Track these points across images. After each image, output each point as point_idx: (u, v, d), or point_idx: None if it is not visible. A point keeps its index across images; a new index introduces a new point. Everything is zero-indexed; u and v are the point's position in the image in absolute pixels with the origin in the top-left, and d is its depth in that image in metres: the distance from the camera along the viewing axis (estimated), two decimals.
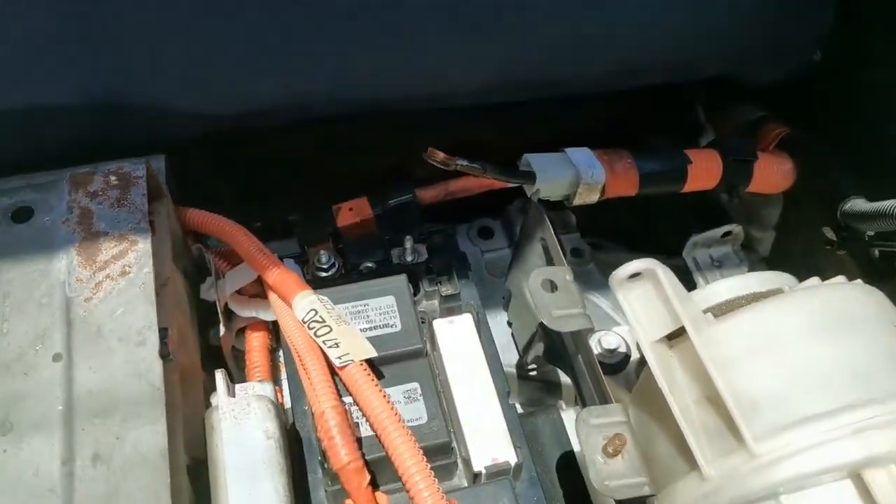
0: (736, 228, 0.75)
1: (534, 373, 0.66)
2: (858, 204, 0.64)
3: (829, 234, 0.69)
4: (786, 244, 0.81)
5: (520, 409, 0.59)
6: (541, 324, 0.63)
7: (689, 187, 0.70)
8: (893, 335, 0.48)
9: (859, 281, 0.53)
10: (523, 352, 0.66)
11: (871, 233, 0.65)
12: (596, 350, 0.63)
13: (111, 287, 0.44)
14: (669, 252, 0.77)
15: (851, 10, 0.74)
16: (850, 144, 0.74)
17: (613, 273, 0.50)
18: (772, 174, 0.74)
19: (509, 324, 0.69)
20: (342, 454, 0.44)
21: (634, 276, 0.51)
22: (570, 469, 0.56)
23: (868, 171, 0.69)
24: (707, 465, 0.46)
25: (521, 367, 0.66)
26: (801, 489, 0.45)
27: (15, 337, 0.42)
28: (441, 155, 0.58)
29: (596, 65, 0.71)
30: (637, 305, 0.51)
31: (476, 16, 0.63)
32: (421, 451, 0.45)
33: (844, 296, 0.50)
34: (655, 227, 0.82)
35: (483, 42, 0.65)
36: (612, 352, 0.63)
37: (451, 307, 0.60)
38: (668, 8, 0.68)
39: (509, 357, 0.67)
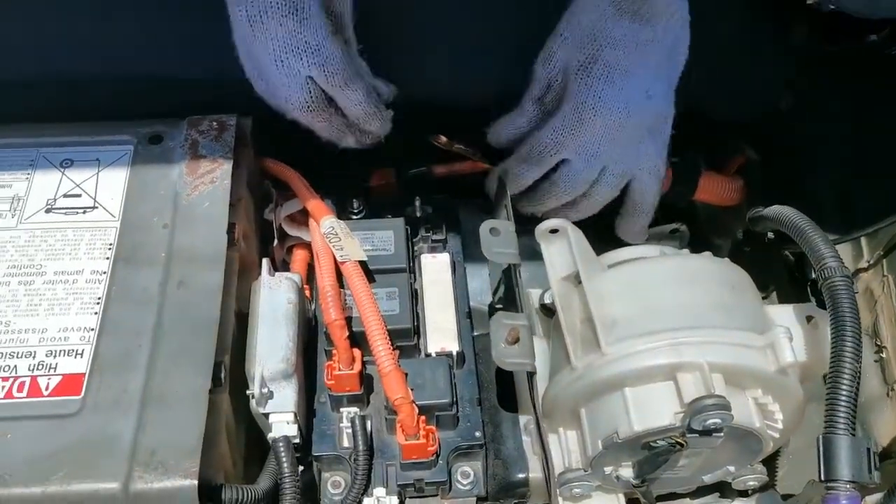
0: (682, 227, 0.94)
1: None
2: (757, 211, 0.82)
3: (739, 234, 0.88)
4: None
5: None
6: (503, 272, 0.86)
7: None
8: (724, 292, 0.66)
9: (727, 259, 0.73)
10: (493, 294, 0.88)
11: (772, 235, 0.84)
12: (547, 300, 0.84)
13: (204, 189, 0.69)
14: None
15: (806, 72, 0.93)
16: (784, 176, 0.93)
17: (537, 227, 0.72)
18: (716, 189, 0.92)
19: (490, 275, 0.91)
20: (332, 313, 0.67)
21: (554, 231, 0.73)
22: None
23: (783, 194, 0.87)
24: (576, 360, 0.66)
25: (491, 305, 0.88)
26: (639, 384, 0.65)
27: (143, 212, 0.68)
28: (443, 139, 0.81)
29: None
30: (553, 252, 0.72)
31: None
32: (383, 321, 0.68)
33: (697, 262, 0.70)
34: None
35: None
36: None
37: (435, 248, 0.82)
38: None
39: (486, 298, 0.90)
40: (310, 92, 0.71)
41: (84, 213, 0.68)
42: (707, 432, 0.62)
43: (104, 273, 0.64)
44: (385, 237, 0.78)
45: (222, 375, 0.62)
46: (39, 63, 0.82)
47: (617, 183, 0.81)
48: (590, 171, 0.79)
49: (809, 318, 0.70)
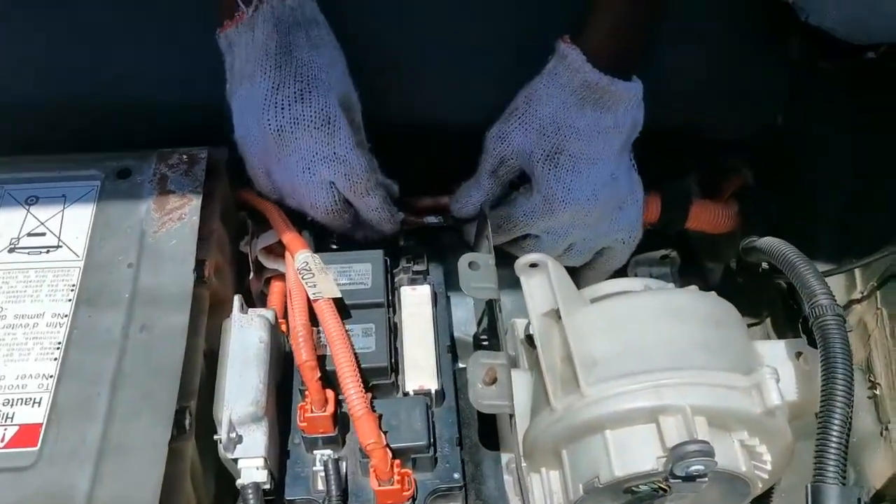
0: (672, 253, 0.91)
1: (485, 342, 0.85)
2: (750, 242, 0.80)
3: (732, 264, 0.85)
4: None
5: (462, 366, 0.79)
6: (486, 303, 0.83)
7: None
8: (709, 329, 0.64)
9: (713, 293, 0.70)
10: (478, 324, 0.86)
11: (766, 265, 0.81)
12: (532, 331, 0.81)
13: (171, 226, 0.67)
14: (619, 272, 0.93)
15: (802, 87, 0.90)
16: (779, 200, 0.90)
17: (517, 261, 0.70)
18: (709, 217, 0.89)
19: (475, 305, 0.89)
20: (303, 354, 0.65)
21: (534, 265, 0.70)
22: None
23: (779, 220, 0.84)
24: (555, 401, 0.64)
25: (475, 337, 0.86)
26: (620, 426, 0.63)
27: (107, 250, 0.66)
28: (411, 219, 0.82)
29: None
30: (533, 286, 0.69)
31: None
32: (355, 362, 0.66)
33: (682, 298, 0.67)
34: None
35: None
36: None
37: (416, 280, 0.80)
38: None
39: (471, 328, 0.87)
40: (333, 196, 0.75)
41: (48, 252, 0.66)
42: (690, 478, 0.60)
43: (66, 316, 0.62)
44: (363, 270, 0.76)
45: (187, 422, 0.60)
46: (27, 87, 0.81)
47: (584, 257, 0.83)
48: (557, 248, 0.80)
49: (799, 354, 0.67)
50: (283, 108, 0.71)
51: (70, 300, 0.63)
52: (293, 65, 0.71)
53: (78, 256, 0.66)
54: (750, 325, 0.87)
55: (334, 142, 0.72)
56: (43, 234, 0.67)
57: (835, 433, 0.56)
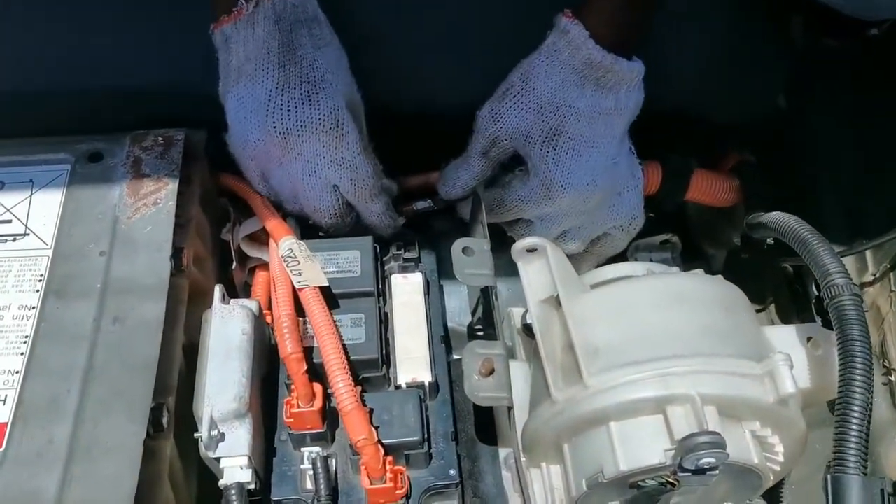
0: (673, 238, 0.88)
1: (480, 333, 0.82)
2: (756, 217, 0.76)
3: (736, 240, 0.82)
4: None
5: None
6: (482, 291, 0.80)
7: None
8: (717, 315, 0.61)
9: (720, 277, 0.67)
10: (472, 314, 0.82)
11: (771, 241, 0.78)
12: (529, 320, 0.78)
13: (146, 212, 0.63)
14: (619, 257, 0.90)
15: (802, 70, 0.87)
16: (784, 181, 0.87)
17: (513, 246, 0.66)
18: (710, 188, 0.85)
19: (469, 293, 0.85)
20: (287, 346, 0.62)
21: (532, 250, 0.67)
22: None
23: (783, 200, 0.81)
24: (556, 392, 0.60)
25: (470, 327, 0.82)
26: (626, 418, 0.59)
27: (77, 238, 0.63)
28: (402, 208, 0.78)
29: None
30: (531, 272, 0.66)
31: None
32: (344, 353, 0.62)
33: (688, 281, 0.64)
34: None
35: None
36: None
37: (408, 268, 0.76)
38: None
39: (465, 318, 0.84)
40: (337, 200, 0.74)
41: (14, 240, 0.62)
42: (700, 471, 0.56)
43: (33, 308, 0.59)
44: (351, 258, 0.72)
45: (164, 419, 0.56)
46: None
47: (579, 245, 0.80)
48: (550, 234, 0.77)
49: (810, 339, 0.64)
50: (289, 111, 0.68)
51: (38, 291, 0.60)
52: (298, 64, 0.68)
53: (46, 245, 0.62)
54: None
55: (342, 146, 0.70)
56: (9, 222, 0.63)
57: (855, 420, 0.53)
